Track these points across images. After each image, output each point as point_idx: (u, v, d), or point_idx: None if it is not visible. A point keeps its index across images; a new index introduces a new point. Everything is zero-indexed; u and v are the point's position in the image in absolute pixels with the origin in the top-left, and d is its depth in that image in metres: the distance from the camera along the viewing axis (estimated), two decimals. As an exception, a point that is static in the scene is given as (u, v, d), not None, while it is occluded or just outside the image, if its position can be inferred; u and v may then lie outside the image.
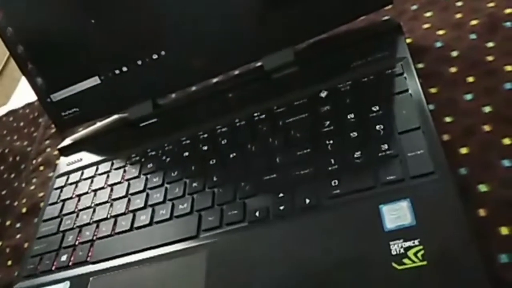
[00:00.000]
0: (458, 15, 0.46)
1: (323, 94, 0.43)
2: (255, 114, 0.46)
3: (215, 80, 0.56)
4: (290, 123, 0.43)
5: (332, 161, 0.38)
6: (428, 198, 0.32)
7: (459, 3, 0.47)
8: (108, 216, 0.46)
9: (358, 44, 0.45)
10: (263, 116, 0.45)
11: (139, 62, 0.51)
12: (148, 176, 0.47)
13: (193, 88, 0.58)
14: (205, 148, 0.46)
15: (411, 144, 0.35)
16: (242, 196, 0.40)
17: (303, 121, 0.42)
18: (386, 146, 0.36)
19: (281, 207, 0.37)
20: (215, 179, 0.43)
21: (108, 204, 0.48)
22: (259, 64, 0.49)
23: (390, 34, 0.44)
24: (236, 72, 0.54)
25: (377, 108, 0.39)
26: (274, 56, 0.48)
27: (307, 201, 0.37)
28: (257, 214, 0.38)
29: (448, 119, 0.39)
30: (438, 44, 0.44)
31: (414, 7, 0.49)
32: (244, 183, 0.41)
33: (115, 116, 0.58)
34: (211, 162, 0.44)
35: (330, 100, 0.43)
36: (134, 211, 0.45)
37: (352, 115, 0.40)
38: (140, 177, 0.48)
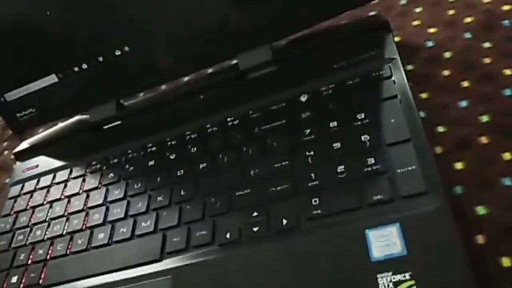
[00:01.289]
0: (451, 12, 0.42)
1: (303, 98, 0.39)
2: (229, 119, 0.41)
3: (185, 79, 0.52)
4: (266, 131, 0.39)
5: (313, 175, 0.34)
6: (421, 223, 0.28)
7: (452, -2, 0.43)
8: (64, 233, 0.42)
9: (342, 43, 0.41)
10: (237, 121, 0.41)
11: (100, 59, 0.46)
12: (109, 187, 0.43)
13: (161, 88, 0.53)
14: (173, 156, 0.42)
15: (401, 159, 0.31)
16: (212, 213, 0.36)
17: (281, 128, 0.38)
18: (372, 160, 0.32)
19: (255, 229, 0.33)
20: (182, 193, 0.38)
21: (64, 219, 0.43)
22: (234, 62, 0.45)
23: (377, 31, 0.40)
24: (209, 71, 0.49)
25: (363, 116, 0.35)
26: (250, 54, 0.43)
27: (284, 222, 0.32)
28: (228, 236, 0.34)
29: (440, 129, 0.35)
30: (429, 44, 0.40)
31: (403, 1, 0.45)
32: (215, 199, 0.36)
33: (76, 118, 0.52)
34: (178, 173, 0.40)
35: (311, 105, 0.38)
36: (92, 227, 0.40)
37: (335, 123, 0.36)
38: (99, 188, 0.43)
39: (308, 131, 0.36)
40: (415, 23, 0.42)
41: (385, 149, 0.32)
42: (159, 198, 0.39)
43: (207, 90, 0.46)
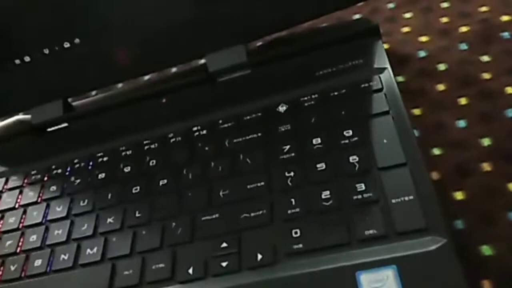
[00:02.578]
0: (444, 19, 0.38)
1: (282, 109, 0.34)
2: (195, 128, 0.36)
3: (145, 79, 0.46)
4: (238, 144, 0.33)
5: (293, 201, 0.29)
6: (421, 265, 0.24)
7: (445, 4, 0.39)
8: (-7, 256, 0.35)
9: (326, 48, 0.36)
10: (205, 131, 0.36)
11: (46, 51, 0.40)
12: (50, 202, 0.36)
13: (117, 88, 0.47)
14: (127, 169, 0.36)
15: (396, 187, 0.27)
16: (172, 242, 0.30)
17: (255, 142, 0.33)
18: (362, 187, 0.28)
19: (224, 264, 0.28)
20: (137, 214, 0.32)
21: (-5, 239, 0.36)
22: (202, 62, 0.39)
23: (365, 37, 0.36)
24: (173, 71, 0.43)
25: (350, 133, 0.31)
26: (221, 54, 0.38)
27: (259, 257, 0.27)
28: (190, 271, 0.28)
29: (436, 151, 0.31)
30: (422, 54, 0.36)
31: (391, 5, 0.41)
32: (176, 224, 0.31)
33: (15, 118, 0.45)
34: (133, 190, 0.34)
35: (291, 117, 0.33)
36: (28, 251, 0.34)
37: (319, 140, 0.31)
38: (39, 203, 0.37)
39: (287, 147, 0.32)
40: (405, 29, 0.39)
41: (377, 173, 0.28)
42: (109, 220, 0.33)
43: (170, 93, 0.40)
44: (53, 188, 0.37)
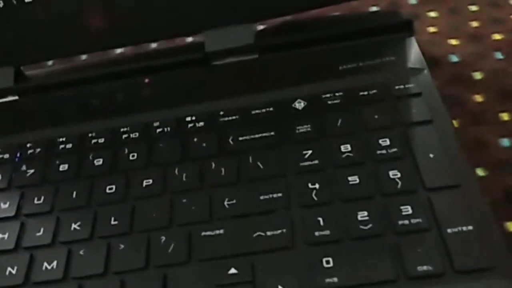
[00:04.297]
0: (474, 24, 0.34)
1: (299, 105, 0.29)
2: (188, 118, 0.29)
3: (117, 52, 0.38)
4: (246, 143, 0.27)
5: (321, 221, 0.23)
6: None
7: (473, 8, 0.35)
8: None
9: (350, 39, 0.31)
10: (201, 124, 0.29)
11: (0, 5, 0.31)
12: (27, 190, 0.28)
13: (83, 60, 0.39)
14: (99, 162, 0.28)
15: (450, 213, 0.22)
16: (161, 262, 0.23)
17: (268, 143, 0.27)
18: (409, 210, 0.23)
19: (234, 297, 0.22)
20: (113, 221, 0.25)
21: None
22: (197, 40, 0.33)
23: (395, 32, 0.31)
24: (153, 46, 0.36)
25: (387, 142, 0.26)
26: (224, 32, 0.32)
27: (281, 291, 0.22)
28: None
29: (480, 172, 0.27)
30: (454, 58, 0.32)
31: (413, 0, 0.37)
32: (166, 238, 0.24)
33: None
34: (108, 190, 0.27)
35: (311, 116, 0.28)
36: (-43, 259, 0.26)
37: (348, 147, 0.26)
38: (10, 190, 0.28)
39: (309, 152, 0.26)
40: (431, 29, 0.34)
41: (424, 195, 0.23)
42: (74, 226, 0.26)
43: (154, 72, 0.33)
44: (30, 171, 0.29)
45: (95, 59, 0.37)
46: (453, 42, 0.33)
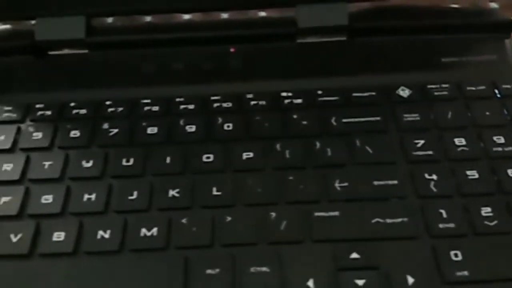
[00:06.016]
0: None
1: (404, 93, 0.28)
2: (284, 94, 0.28)
3: (184, 17, 0.36)
4: (350, 126, 0.26)
5: (443, 214, 0.22)
6: None
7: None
8: None
9: (449, 32, 0.30)
10: (300, 101, 0.28)
11: None
12: (70, 152, 0.26)
13: (154, 20, 0.36)
14: (191, 129, 0.27)
15: None
16: (273, 239, 0.22)
17: (374, 127, 0.26)
18: (533, 210, 0.22)
19: (359, 281, 0.21)
20: (215, 192, 0.24)
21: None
22: (289, 15, 0.31)
23: (496, 32, 0.30)
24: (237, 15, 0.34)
25: (502, 140, 0.25)
26: (317, 9, 0.30)
27: (410, 280, 0.20)
28: (310, 284, 0.21)
29: None
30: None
31: (494, 4, 0.36)
32: (276, 215, 0.23)
33: (8, 26, 0.33)
34: (205, 159, 0.25)
35: (418, 105, 0.27)
36: (37, 217, 0.24)
37: (462, 141, 0.25)
38: (50, 150, 0.26)
39: (421, 142, 0.25)
40: (517, 34, 0.34)
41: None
42: (172, 193, 0.24)
43: (241, 42, 0.31)
44: (75, 133, 0.27)
45: (171, 21, 0.34)
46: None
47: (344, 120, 0.27)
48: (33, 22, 0.31)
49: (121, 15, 0.33)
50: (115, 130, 0.27)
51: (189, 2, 0.31)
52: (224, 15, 0.35)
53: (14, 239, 0.23)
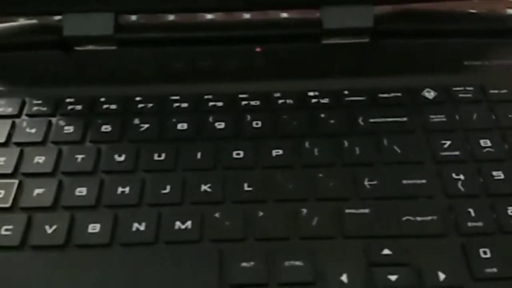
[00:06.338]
0: None
1: (429, 95, 0.28)
2: (311, 94, 0.29)
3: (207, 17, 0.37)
4: (377, 126, 0.27)
5: (471, 213, 0.23)
6: None
7: None
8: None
9: (471, 36, 0.31)
10: (326, 100, 0.28)
11: None
12: (102, 147, 0.26)
13: (179, 19, 0.37)
14: (221, 126, 0.27)
15: None
16: (307, 234, 0.23)
17: (401, 128, 0.27)
18: (559, 210, 0.23)
19: (392, 276, 0.21)
20: (246, 188, 0.24)
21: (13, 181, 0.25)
22: (315, 16, 0.32)
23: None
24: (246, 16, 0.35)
25: (527, 143, 0.26)
26: (342, 10, 0.31)
27: (441, 277, 0.21)
28: (344, 278, 0.21)
29: None
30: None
31: (511, 11, 0.37)
32: (308, 211, 0.23)
33: (33, 21, 0.34)
34: (235, 155, 0.26)
35: (443, 106, 0.28)
36: (72, 208, 0.24)
37: (488, 142, 0.26)
38: (81, 144, 0.27)
39: (447, 143, 0.26)
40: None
41: None
42: (203, 188, 0.24)
43: (266, 42, 0.32)
44: (106, 128, 0.27)
45: (195, 20, 0.35)
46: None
47: (371, 120, 0.27)
48: (59, 17, 0.31)
49: (148, 13, 0.33)
50: (146, 126, 0.27)
51: (215, 2, 0.32)
52: (247, 15, 0.36)
53: (49, 230, 0.23)
